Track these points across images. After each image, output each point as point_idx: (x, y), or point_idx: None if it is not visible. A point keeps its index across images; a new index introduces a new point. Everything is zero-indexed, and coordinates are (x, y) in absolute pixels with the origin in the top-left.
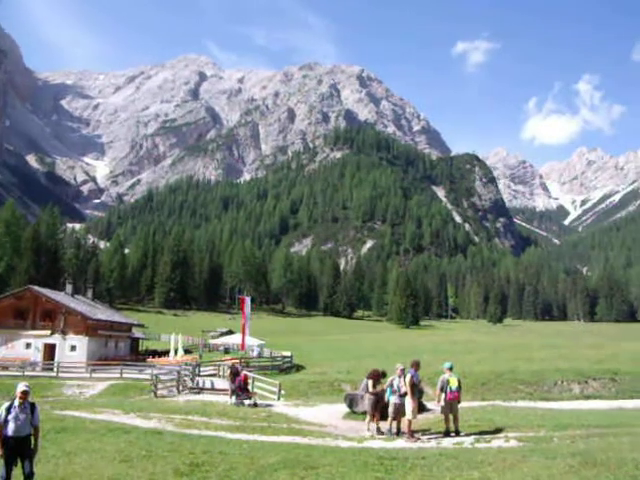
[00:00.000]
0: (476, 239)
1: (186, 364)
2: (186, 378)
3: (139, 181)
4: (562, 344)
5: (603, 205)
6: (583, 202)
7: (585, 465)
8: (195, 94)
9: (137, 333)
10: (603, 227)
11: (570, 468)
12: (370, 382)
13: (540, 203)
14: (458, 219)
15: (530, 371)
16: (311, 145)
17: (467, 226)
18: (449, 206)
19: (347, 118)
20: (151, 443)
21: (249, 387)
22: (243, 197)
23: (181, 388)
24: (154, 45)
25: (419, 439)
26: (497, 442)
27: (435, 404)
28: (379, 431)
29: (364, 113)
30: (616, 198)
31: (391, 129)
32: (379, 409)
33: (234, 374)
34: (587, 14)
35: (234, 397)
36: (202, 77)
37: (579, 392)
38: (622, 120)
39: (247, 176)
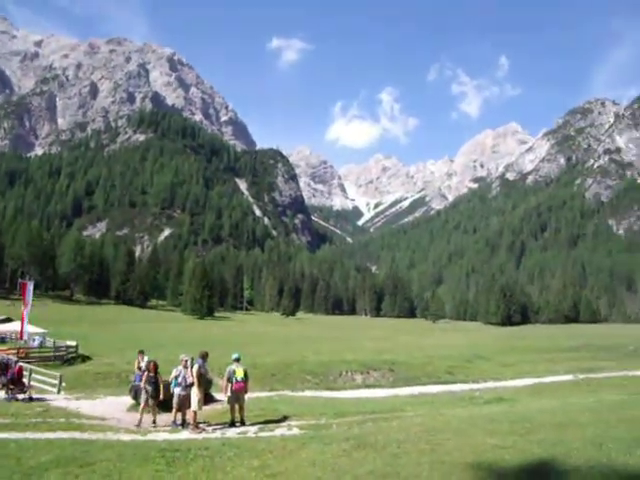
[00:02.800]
0: (274, 233)
1: None
2: None
3: None
4: (349, 337)
5: (393, 209)
6: (376, 205)
7: (357, 448)
8: None
9: None
10: (392, 230)
11: (343, 452)
12: (145, 373)
13: (337, 203)
14: (258, 212)
15: (318, 362)
16: (113, 125)
17: (266, 220)
18: (250, 199)
19: (154, 101)
20: None
21: (24, 380)
22: (33, 173)
23: None
24: None
25: (204, 430)
26: (280, 430)
27: (223, 395)
28: (154, 423)
29: (172, 98)
30: (405, 204)
31: (198, 117)
32: (156, 401)
33: (4, 366)
34: (395, 33)
35: (3, 392)
36: None
37: (361, 382)
38: (416, 132)
39: (39, 150)
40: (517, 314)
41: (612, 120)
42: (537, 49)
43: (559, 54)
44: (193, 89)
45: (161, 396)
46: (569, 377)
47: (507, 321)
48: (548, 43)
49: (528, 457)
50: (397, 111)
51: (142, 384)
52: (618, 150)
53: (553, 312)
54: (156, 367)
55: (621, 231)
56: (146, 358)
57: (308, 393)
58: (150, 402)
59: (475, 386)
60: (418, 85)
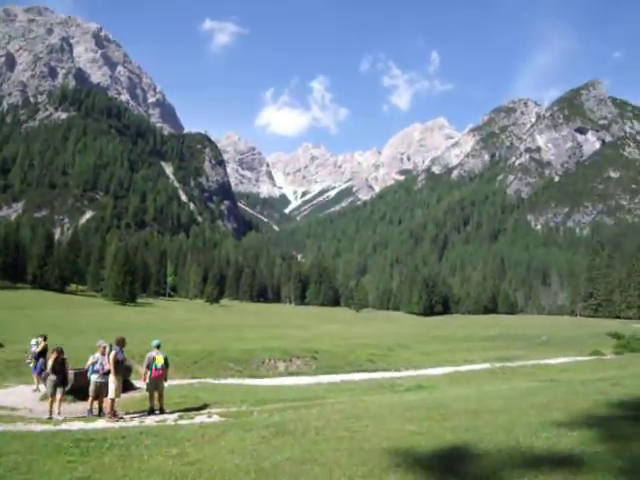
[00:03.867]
0: (200, 219)
1: None
2: None
3: None
4: (273, 324)
5: (321, 198)
6: (303, 194)
7: (276, 435)
8: None
9: None
10: (318, 219)
11: (263, 439)
12: (50, 360)
13: (265, 190)
14: (184, 198)
15: (241, 350)
16: (32, 100)
17: (192, 205)
18: (176, 184)
19: (78, 78)
20: None
21: None
22: None
23: None
24: None
25: (122, 418)
26: (200, 418)
27: (143, 382)
28: (59, 414)
29: (97, 75)
30: (332, 193)
31: (125, 97)
32: (63, 389)
33: None
34: (329, 22)
35: None
36: None
37: (284, 369)
38: (346, 122)
39: None
40: (439, 304)
41: (533, 120)
42: (468, 47)
43: (488, 53)
44: (120, 68)
45: (69, 384)
46: (486, 366)
47: (429, 311)
48: (478, 42)
49: (442, 443)
50: (328, 100)
51: (46, 372)
52: (538, 149)
53: (473, 303)
54: (59, 354)
55: (539, 227)
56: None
57: (230, 381)
58: (57, 391)
59: (396, 374)
60: (350, 75)
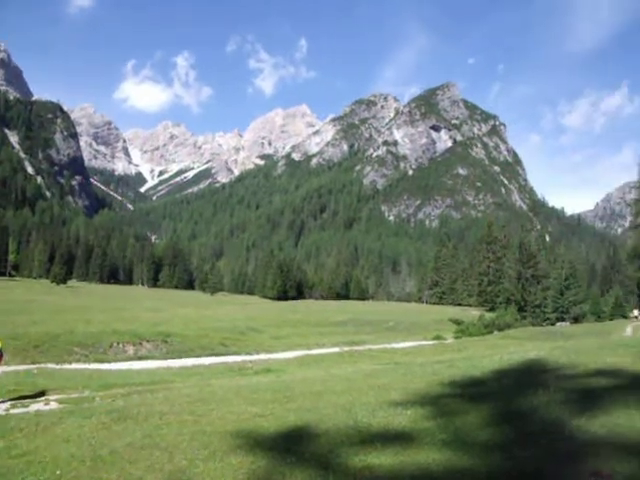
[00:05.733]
0: (48, 194)
1: None
2: None
3: None
4: (124, 307)
5: (178, 179)
6: (161, 173)
7: (117, 421)
8: None
9: None
10: (175, 199)
11: (103, 425)
12: None
13: (120, 167)
14: (30, 170)
15: (88, 333)
16: None
17: (39, 179)
18: (22, 154)
19: None
20: None
21: None
22: None
23: None
24: None
25: None
26: (36, 406)
27: None
28: None
29: None
30: (190, 174)
31: None
32: None
33: None
34: None
35: None
36: None
37: (133, 353)
38: (209, 102)
39: None
40: (293, 289)
41: (392, 115)
42: (335, 37)
43: (354, 46)
44: None
45: None
46: (335, 349)
47: (283, 296)
48: (345, 34)
49: (284, 424)
50: (192, 78)
51: None
52: (395, 143)
53: (326, 289)
54: None
55: (391, 217)
56: None
57: (75, 366)
58: None
59: (247, 358)
60: (216, 55)
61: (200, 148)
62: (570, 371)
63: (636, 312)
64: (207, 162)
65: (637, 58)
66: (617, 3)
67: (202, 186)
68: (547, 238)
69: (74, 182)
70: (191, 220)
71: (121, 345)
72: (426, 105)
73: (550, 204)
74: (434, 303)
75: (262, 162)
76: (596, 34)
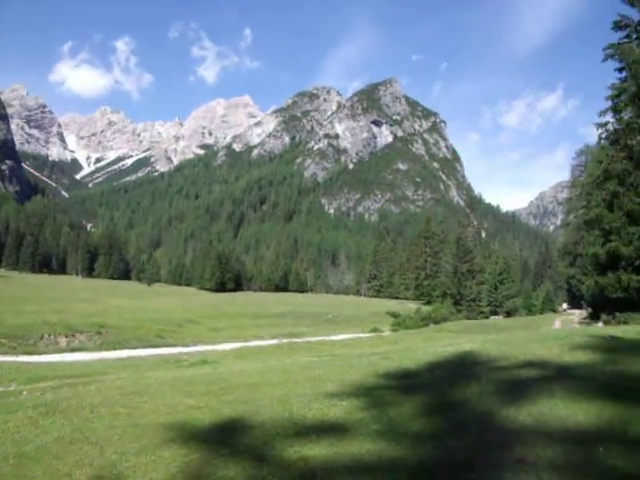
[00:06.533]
0: None
1: None
2: None
3: None
4: (56, 297)
5: (116, 166)
6: (98, 160)
7: (45, 415)
8: None
9: None
10: (112, 187)
11: (29, 419)
12: None
13: (55, 152)
14: None
15: (17, 325)
16: None
17: None
18: None
19: None
20: None
21: None
22: None
23: None
24: None
25: None
26: None
27: None
28: None
29: None
30: (129, 162)
31: None
32: None
33: None
34: None
35: None
36: None
37: (66, 345)
38: (149, 90)
39: None
40: (231, 281)
41: (335, 108)
42: (280, 28)
43: (299, 38)
44: None
45: None
46: (273, 341)
47: (221, 287)
48: (291, 25)
49: (219, 416)
50: (133, 64)
51: None
52: (336, 136)
53: (265, 281)
54: None
55: (331, 210)
56: None
57: (2, 358)
58: None
59: (184, 349)
60: (158, 40)
61: (139, 136)
62: (501, 363)
63: (565, 306)
64: (146, 150)
65: (572, 62)
66: (558, 8)
67: (140, 175)
68: (483, 234)
69: (4, 167)
70: (128, 209)
71: (53, 337)
72: (368, 100)
73: (487, 201)
74: (372, 296)
75: (202, 152)
76: (536, 38)
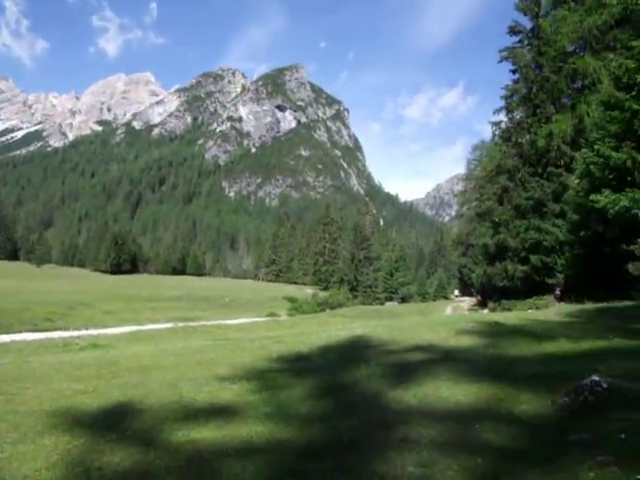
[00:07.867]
0: None
1: None
2: None
3: None
4: None
5: (4, 139)
6: None
7: None
8: None
9: None
10: (0, 162)
11: None
12: None
13: None
14: None
15: None
16: None
17: None
18: None
19: None
20: None
21: None
22: None
23: None
24: None
25: None
26: None
27: None
28: None
29: None
30: (18, 135)
31: None
32: None
33: None
34: None
35: None
36: None
37: None
38: (43, 57)
39: None
40: (127, 263)
41: (239, 90)
42: (188, 5)
43: (207, 16)
44: None
45: None
46: (169, 325)
47: (117, 269)
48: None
49: (108, 400)
50: (24, 27)
51: None
52: (240, 119)
53: (162, 263)
54: None
55: (232, 193)
56: None
57: None
58: None
59: (75, 333)
60: (55, 5)
61: (31, 107)
62: (391, 347)
63: (457, 293)
64: (38, 123)
65: (472, 62)
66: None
67: (32, 149)
68: (381, 222)
69: None
70: (17, 185)
71: None
72: (273, 84)
73: (386, 190)
74: (270, 281)
75: (100, 128)
76: (441, 36)
